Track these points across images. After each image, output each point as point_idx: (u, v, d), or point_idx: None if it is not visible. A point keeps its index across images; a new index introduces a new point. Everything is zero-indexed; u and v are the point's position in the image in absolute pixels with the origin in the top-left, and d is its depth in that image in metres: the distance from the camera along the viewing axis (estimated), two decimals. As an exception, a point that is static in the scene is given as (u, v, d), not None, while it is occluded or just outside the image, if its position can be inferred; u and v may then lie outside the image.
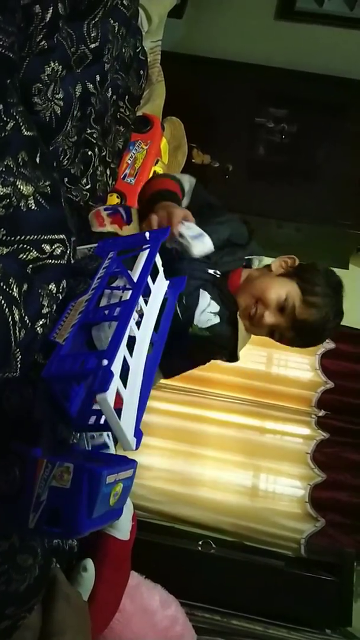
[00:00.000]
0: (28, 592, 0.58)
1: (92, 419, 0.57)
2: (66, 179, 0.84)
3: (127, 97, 1.16)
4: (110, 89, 1.01)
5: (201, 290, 1.03)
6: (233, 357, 1.14)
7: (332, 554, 2.18)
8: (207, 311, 1.03)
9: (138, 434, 0.56)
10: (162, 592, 1.07)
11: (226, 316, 1.06)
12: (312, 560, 2.18)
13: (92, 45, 0.87)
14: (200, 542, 2.13)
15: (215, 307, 1.04)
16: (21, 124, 0.57)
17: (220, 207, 1.18)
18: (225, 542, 2.19)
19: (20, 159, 0.55)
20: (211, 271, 1.05)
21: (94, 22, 0.88)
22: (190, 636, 1.07)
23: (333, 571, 2.14)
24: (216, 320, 1.04)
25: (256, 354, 2.47)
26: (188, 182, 1.13)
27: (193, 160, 2.31)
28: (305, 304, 1.05)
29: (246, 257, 1.17)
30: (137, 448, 0.55)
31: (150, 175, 1.32)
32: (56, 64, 0.76)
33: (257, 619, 1.79)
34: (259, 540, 2.21)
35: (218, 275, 1.07)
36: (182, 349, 1.01)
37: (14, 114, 0.55)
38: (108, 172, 1.13)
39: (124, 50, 1.06)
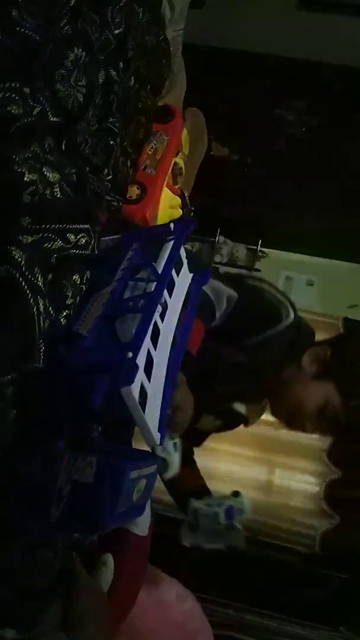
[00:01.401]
0: (49, 586, 0.58)
1: (116, 413, 0.56)
2: (88, 169, 0.83)
3: (149, 86, 1.14)
4: (133, 77, 0.99)
5: None
6: None
7: (347, 551, 2.17)
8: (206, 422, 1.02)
9: (162, 429, 0.55)
10: (178, 586, 1.06)
11: (224, 424, 1.05)
12: (327, 557, 2.17)
13: (116, 31, 0.85)
14: (214, 537, 2.13)
15: (216, 422, 1.03)
16: (48, 109, 0.56)
17: (267, 316, 0.98)
18: (239, 537, 2.19)
19: (47, 145, 0.54)
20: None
21: (118, 7, 0.86)
22: (206, 631, 1.07)
23: (347, 568, 2.13)
24: (215, 428, 1.04)
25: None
26: (225, 303, 0.94)
27: (212, 153, 2.29)
28: (348, 408, 0.94)
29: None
30: (161, 443, 0.54)
31: (171, 166, 1.30)
32: (80, 50, 0.74)
33: (270, 615, 1.79)
34: (273, 536, 2.20)
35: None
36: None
37: (41, 98, 0.54)
38: (129, 163, 1.11)
39: (147, 38, 1.05)
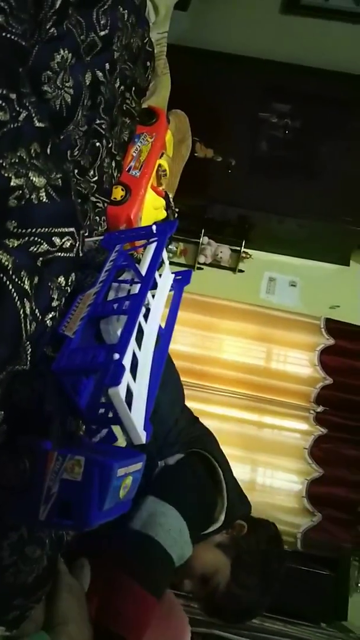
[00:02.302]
0: (36, 583, 0.58)
1: (102, 412, 0.57)
2: (76, 171, 0.84)
3: (134, 88, 1.15)
4: (118, 79, 1.01)
5: None
6: None
7: (328, 549, 2.21)
8: None
9: (147, 428, 0.57)
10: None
11: None
12: (309, 555, 2.21)
13: (102, 33, 0.86)
14: (198, 535, 2.14)
15: None
16: (33, 114, 0.56)
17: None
18: (222, 535, 2.21)
19: (32, 150, 0.55)
20: None
21: (103, 9, 0.87)
22: (183, 625, 1.08)
23: (329, 565, 2.16)
24: None
25: (255, 349, 2.48)
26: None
27: (196, 154, 2.30)
28: (229, 594, 0.91)
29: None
30: (147, 442, 0.55)
31: (155, 168, 1.31)
32: (66, 52, 0.75)
33: (253, 612, 1.81)
34: (256, 534, 2.22)
35: None
36: None
37: (27, 104, 0.55)
38: (114, 165, 1.12)
39: (132, 40, 1.06)
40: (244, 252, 2.66)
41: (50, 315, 0.59)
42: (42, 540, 0.60)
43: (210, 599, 0.94)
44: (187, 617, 1.12)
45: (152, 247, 0.71)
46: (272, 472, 2.36)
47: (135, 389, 0.57)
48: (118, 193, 1.22)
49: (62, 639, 0.57)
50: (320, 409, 2.37)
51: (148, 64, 1.26)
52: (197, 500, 0.90)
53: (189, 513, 0.84)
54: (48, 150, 0.59)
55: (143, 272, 0.66)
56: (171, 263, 0.81)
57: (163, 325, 0.72)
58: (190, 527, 0.83)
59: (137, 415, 0.55)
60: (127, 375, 0.53)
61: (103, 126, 1.01)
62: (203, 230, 2.63)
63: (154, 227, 0.72)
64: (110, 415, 0.57)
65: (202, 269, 2.67)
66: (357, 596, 2.20)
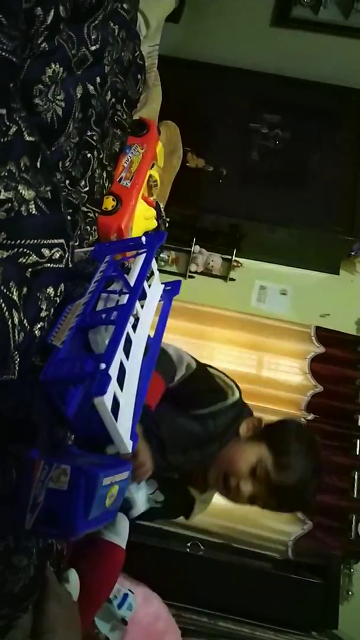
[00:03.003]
0: (23, 592, 0.59)
1: (89, 422, 0.58)
2: (67, 181, 0.85)
3: (125, 100, 1.16)
4: (109, 91, 1.02)
5: (150, 480, 1.00)
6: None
7: (319, 557, 2.21)
8: (151, 499, 1.01)
9: (134, 438, 0.57)
10: (144, 589, 1.08)
11: (172, 503, 1.04)
12: (299, 563, 2.21)
13: (93, 48, 0.88)
14: (188, 544, 2.14)
15: (160, 497, 1.02)
16: (23, 129, 0.57)
17: (211, 389, 1.05)
18: (213, 543, 2.21)
19: (22, 164, 0.56)
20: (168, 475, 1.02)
21: (94, 24, 0.89)
22: (173, 631, 1.08)
23: (320, 574, 2.16)
24: (156, 505, 1.02)
25: (246, 357, 2.49)
26: (185, 369, 1.00)
27: (188, 164, 2.32)
28: (279, 466, 0.97)
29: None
30: (133, 451, 0.56)
31: (146, 178, 1.33)
32: (57, 66, 0.76)
33: (244, 621, 1.81)
34: (246, 543, 2.22)
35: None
36: None
37: (17, 119, 0.56)
38: (105, 175, 1.13)
39: (123, 53, 1.07)
40: (235, 260, 2.67)
41: (39, 326, 0.60)
42: (29, 549, 0.60)
43: (270, 485, 0.96)
44: (179, 631, 1.13)
45: (142, 257, 0.72)
46: (263, 480, 2.36)
47: (122, 399, 0.58)
48: (109, 203, 1.23)
49: None
50: (310, 416, 2.38)
51: (139, 76, 1.27)
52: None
53: None
54: (38, 164, 0.60)
55: (132, 282, 0.67)
56: (163, 271, 0.82)
57: (152, 335, 0.73)
58: None
59: (124, 425, 0.56)
60: (113, 385, 0.54)
61: (94, 138, 1.02)
62: (194, 239, 2.65)
63: (143, 239, 0.73)
64: (97, 424, 0.57)
65: (193, 277, 2.69)
66: (348, 604, 2.20)
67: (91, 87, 0.92)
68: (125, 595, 0.95)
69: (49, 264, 0.61)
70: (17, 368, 0.56)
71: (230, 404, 1.01)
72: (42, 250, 0.59)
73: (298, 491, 0.98)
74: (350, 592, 2.23)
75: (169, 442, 0.91)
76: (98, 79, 0.94)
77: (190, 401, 0.96)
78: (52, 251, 0.61)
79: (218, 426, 0.99)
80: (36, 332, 0.59)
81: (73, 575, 0.74)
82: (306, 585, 2.09)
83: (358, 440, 2.38)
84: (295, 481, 0.96)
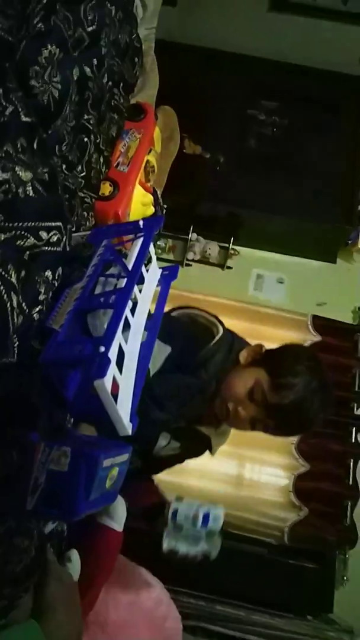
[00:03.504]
0: (24, 572, 0.59)
1: (88, 404, 0.58)
2: (64, 166, 0.84)
3: (121, 84, 1.15)
4: (106, 74, 1.01)
5: (162, 433, 1.01)
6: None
7: (314, 542, 2.23)
8: (168, 448, 1.02)
9: (133, 420, 0.57)
10: (146, 574, 1.09)
11: (190, 445, 1.04)
12: (295, 548, 2.23)
13: (89, 29, 0.86)
14: (186, 530, 2.16)
15: (176, 444, 1.02)
16: (20, 109, 0.57)
17: (196, 336, 1.04)
18: (210, 529, 2.23)
19: (19, 145, 0.55)
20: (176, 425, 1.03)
21: (90, 5, 0.88)
22: (174, 617, 1.09)
23: (315, 559, 2.19)
24: (176, 452, 1.03)
25: (244, 346, 2.49)
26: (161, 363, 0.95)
27: (185, 151, 2.31)
28: (275, 386, 0.96)
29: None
30: (133, 433, 0.56)
31: (143, 164, 1.32)
32: (53, 47, 0.75)
33: (240, 605, 1.83)
34: (243, 528, 2.25)
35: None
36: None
37: (13, 99, 0.55)
38: (102, 160, 1.12)
39: (120, 36, 1.06)
40: (232, 249, 2.67)
41: (38, 309, 0.60)
42: (30, 531, 0.60)
43: (266, 407, 0.96)
44: (179, 616, 1.14)
45: (139, 242, 0.71)
46: (260, 467, 2.38)
47: (121, 382, 0.58)
48: (106, 189, 1.22)
49: (51, 626, 0.58)
50: (307, 404, 2.39)
51: (136, 59, 1.26)
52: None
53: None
54: (35, 145, 0.60)
55: (130, 266, 0.66)
56: (159, 259, 0.82)
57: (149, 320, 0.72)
58: None
59: (123, 407, 0.56)
60: (113, 368, 0.54)
61: (91, 122, 1.01)
62: (191, 227, 2.64)
63: (140, 222, 0.73)
64: (97, 407, 0.57)
65: (190, 265, 2.68)
66: (343, 589, 2.23)
67: (88, 69, 0.91)
68: (206, 516, 0.92)
69: (47, 247, 0.61)
70: (16, 351, 0.56)
71: (216, 344, 1.01)
72: (40, 232, 0.59)
73: (296, 411, 0.96)
74: (345, 577, 2.26)
75: (164, 399, 0.91)
76: (95, 61, 0.93)
77: (176, 357, 0.94)
78: (50, 234, 0.61)
79: (210, 370, 0.99)
80: (35, 315, 0.59)
81: (75, 555, 0.75)
82: (302, 570, 2.13)
83: (354, 429, 2.40)
84: (293, 401, 0.95)
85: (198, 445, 1.09)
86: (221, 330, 1.04)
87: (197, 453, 1.13)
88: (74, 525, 0.86)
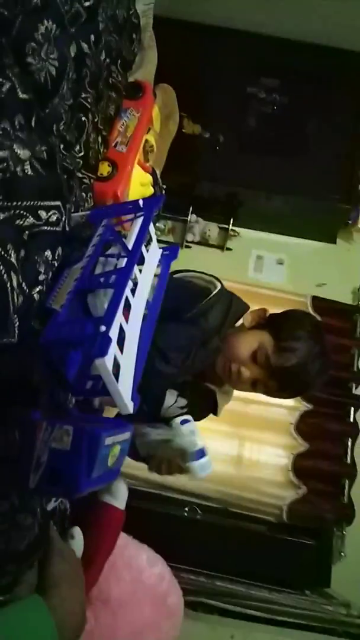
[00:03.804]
0: (28, 549, 0.60)
1: (89, 384, 0.58)
2: (62, 145, 0.83)
3: (119, 61, 1.13)
4: (104, 51, 0.99)
5: (168, 390, 1.02)
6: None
7: (312, 520, 2.27)
8: (174, 407, 1.03)
9: (135, 398, 0.58)
10: (148, 551, 1.11)
11: (196, 403, 1.05)
12: (294, 526, 2.27)
13: (86, 4, 0.85)
14: (186, 508, 2.20)
15: (183, 402, 1.03)
16: (17, 86, 0.56)
17: (193, 291, 1.07)
18: (210, 508, 2.26)
19: (17, 122, 0.55)
20: (181, 380, 1.04)
21: (87, -22, 0.86)
22: (176, 593, 1.12)
23: (313, 536, 2.23)
24: (183, 411, 1.03)
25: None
26: None
27: (184, 130, 2.28)
28: (279, 349, 0.99)
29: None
30: (134, 411, 0.56)
31: (142, 143, 1.30)
32: (50, 23, 0.74)
33: (240, 581, 1.87)
34: (243, 507, 2.28)
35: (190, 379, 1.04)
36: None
37: (10, 75, 0.54)
38: (100, 140, 1.11)
39: (117, 11, 1.04)
40: (232, 230, 2.65)
41: (38, 289, 0.60)
42: (33, 508, 0.61)
43: (270, 368, 0.99)
44: (181, 592, 1.17)
45: (139, 221, 0.71)
46: (259, 447, 2.40)
47: (122, 361, 0.58)
48: (104, 169, 1.21)
49: (54, 601, 0.59)
50: (306, 385, 2.40)
51: (134, 36, 1.23)
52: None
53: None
54: (32, 123, 0.59)
55: (130, 246, 0.66)
56: (159, 241, 0.82)
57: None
58: None
59: (125, 386, 0.56)
60: (114, 347, 0.54)
61: (89, 100, 0.99)
62: (191, 208, 2.62)
63: (140, 202, 0.73)
64: (98, 386, 0.58)
65: (190, 247, 2.67)
66: (340, 565, 2.28)
67: (85, 46, 0.89)
68: (201, 451, 0.91)
69: (46, 227, 0.61)
70: (16, 331, 0.56)
71: (215, 296, 1.03)
72: (39, 212, 0.58)
73: (298, 374, 0.99)
74: (342, 553, 2.31)
75: (167, 350, 0.93)
76: (92, 37, 0.91)
77: (175, 311, 0.96)
78: (49, 213, 0.60)
79: (211, 321, 1.01)
80: (35, 295, 0.59)
81: (77, 532, 0.76)
82: (300, 547, 2.16)
83: (352, 408, 2.42)
84: (295, 364, 0.98)
85: (204, 403, 1.10)
86: (219, 286, 1.07)
87: (203, 413, 1.13)
88: (77, 503, 0.87)
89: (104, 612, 0.99)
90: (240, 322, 1.09)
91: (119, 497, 0.95)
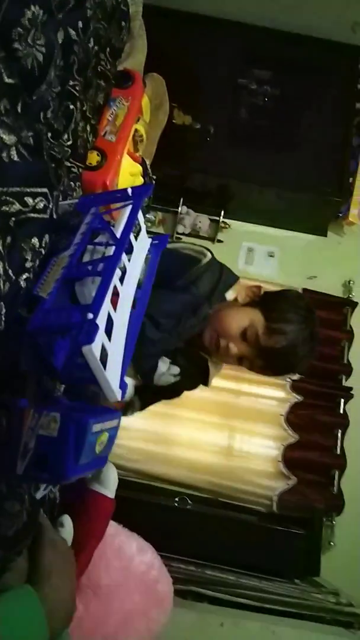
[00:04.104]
0: (17, 536, 0.60)
1: (78, 372, 0.58)
2: (50, 134, 0.82)
3: (108, 49, 1.12)
4: (92, 38, 0.98)
5: (161, 358, 1.02)
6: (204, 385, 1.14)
7: (302, 510, 2.30)
8: (167, 374, 1.03)
9: (123, 386, 0.58)
10: (138, 539, 1.12)
11: (189, 372, 1.05)
12: (283, 516, 2.29)
13: (74, -11, 0.83)
14: (176, 499, 2.21)
15: (176, 369, 1.03)
16: (2, 70, 0.55)
17: (183, 261, 1.08)
18: (200, 498, 2.28)
19: (2, 107, 0.54)
20: (173, 347, 1.04)
21: None
22: (165, 580, 1.13)
23: (303, 525, 2.25)
24: (176, 379, 1.03)
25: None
26: None
27: (174, 121, 2.27)
28: (269, 330, 0.99)
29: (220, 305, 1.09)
30: (122, 399, 0.57)
31: (132, 133, 1.29)
32: (37, 8, 0.73)
33: (230, 570, 1.88)
34: (233, 497, 2.30)
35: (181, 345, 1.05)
36: (149, 390, 1.02)
37: (-5, 59, 0.54)
38: (89, 129, 1.10)
39: (106, -2, 1.03)
40: (222, 222, 2.65)
41: (24, 277, 0.59)
42: (21, 495, 0.61)
43: (259, 348, 1.00)
44: (171, 579, 1.18)
45: (128, 210, 0.71)
46: (250, 438, 2.42)
47: (110, 349, 0.58)
48: (93, 158, 1.20)
49: (46, 591, 0.59)
50: (296, 377, 2.42)
51: (123, 23, 1.22)
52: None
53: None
54: (19, 108, 0.58)
55: (118, 234, 0.66)
56: (149, 233, 0.82)
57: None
58: None
59: (112, 374, 0.56)
60: (101, 335, 0.54)
61: (77, 88, 0.98)
62: (182, 200, 2.62)
63: (129, 190, 0.72)
64: (86, 374, 0.58)
65: (180, 239, 2.66)
66: (329, 554, 2.31)
67: (73, 32, 0.88)
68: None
69: (32, 214, 0.60)
70: (3, 319, 0.56)
71: (205, 265, 1.05)
72: (26, 198, 0.58)
73: (285, 356, 1.00)
74: (331, 543, 2.34)
75: (157, 316, 0.94)
76: (80, 24, 0.90)
77: (166, 278, 0.95)
78: (36, 200, 0.60)
79: (201, 288, 1.03)
80: (21, 282, 0.59)
81: (67, 520, 0.76)
82: (290, 536, 2.19)
83: (342, 400, 2.44)
84: (284, 346, 0.99)
85: (196, 371, 1.11)
86: (209, 255, 1.08)
87: (195, 381, 1.14)
88: (67, 492, 0.87)
89: (94, 600, 0.99)
90: (233, 296, 1.09)
91: (109, 486, 0.96)
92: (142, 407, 1.14)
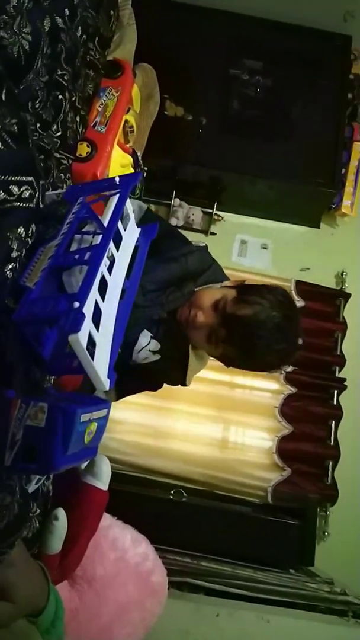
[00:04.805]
0: (8, 529, 0.60)
1: (66, 362, 0.58)
2: (38, 125, 0.82)
3: (97, 38, 1.11)
4: (80, 27, 0.97)
5: (142, 331, 1.03)
6: (182, 384, 1.13)
7: (296, 500, 2.31)
8: (146, 349, 1.03)
9: (111, 375, 0.58)
10: (133, 531, 1.12)
11: (169, 353, 1.06)
12: (278, 507, 2.30)
13: (60, -23, 0.82)
14: (172, 491, 2.21)
15: (156, 345, 1.03)
16: (-15, 56, 0.54)
17: (179, 238, 1.16)
18: (196, 490, 2.28)
19: (-15, 94, 0.53)
20: (156, 316, 1.05)
21: None
22: (160, 571, 1.14)
23: (298, 516, 2.26)
24: (155, 357, 1.03)
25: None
26: (138, 209, 1.07)
27: (166, 113, 2.25)
28: (238, 300, 1.01)
29: (201, 287, 1.11)
30: (111, 387, 0.56)
31: (122, 124, 1.28)
32: (22, -5, 0.72)
33: (225, 561, 1.89)
34: (228, 489, 2.31)
35: (164, 316, 1.06)
36: (130, 375, 0.99)
37: (-22, 44, 0.53)
38: (78, 119, 1.09)
39: (93, -15, 1.01)
40: (216, 214, 2.64)
41: (10, 267, 0.59)
42: (11, 487, 0.61)
43: (223, 315, 1.02)
44: (165, 570, 1.18)
45: (115, 199, 0.70)
46: (244, 430, 2.42)
47: (98, 339, 0.57)
48: (83, 149, 1.19)
49: (19, 601, 0.62)
50: (289, 368, 2.42)
51: (112, 12, 1.21)
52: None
53: None
54: (2, 95, 0.57)
55: (105, 223, 0.65)
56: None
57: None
58: None
59: (100, 364, 0.56)
60: (88, 324, 0.54)
61: (65, 77, 0.97)
62: (174, 192, 2.60)
63: (117, 178, 0.72)
64: (74, 364, 0.57)
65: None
66: (324, 544, 2.32)
67: (60, 20, 0.87)
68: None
69: (18, 203, 0.60)
70: (-11, 309, 0.55)
71: (200, 247, 1.12)
72: (11, 187, 0.57)
73: (246, 327, 0.98)
74: (326, 533, 2.35)
75: (146, 282, 0.97)
76: (67, 12, 0.89)
77: (158, 249, 0.96)
78: (22, 189, 0.59)
79: (191, 263, 1.08)
80: (8, 272, 0.58)
81: (61, 514, 0.76)
82: (284, 527, 2.19)
83: (335, 391, 2.45)
84: (247, 315, 0.98)
85: (177, 353, 1.10)
86: (204, 243, 1.16)
87: (174, 370, 1.13)
88: (60, 485, 0.87)
89: (89, 592, 1.00)
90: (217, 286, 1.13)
91: (102, 479, 0.96)
92: (119, 397, 1.13)
